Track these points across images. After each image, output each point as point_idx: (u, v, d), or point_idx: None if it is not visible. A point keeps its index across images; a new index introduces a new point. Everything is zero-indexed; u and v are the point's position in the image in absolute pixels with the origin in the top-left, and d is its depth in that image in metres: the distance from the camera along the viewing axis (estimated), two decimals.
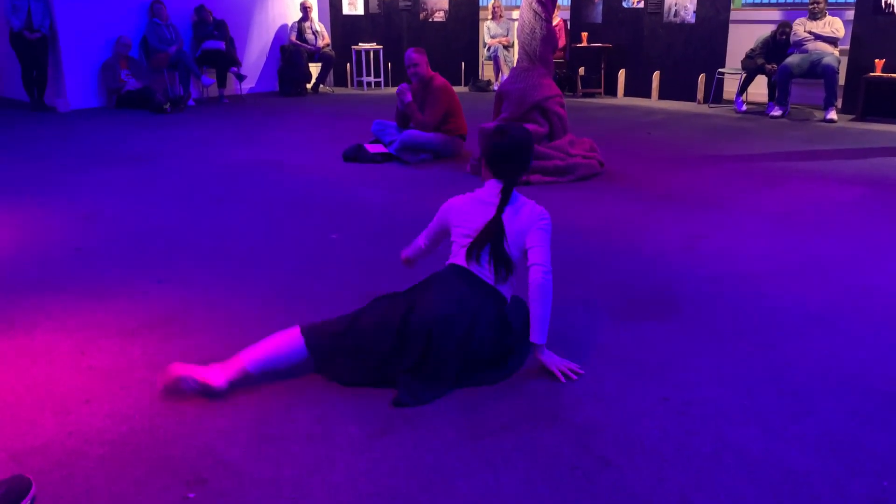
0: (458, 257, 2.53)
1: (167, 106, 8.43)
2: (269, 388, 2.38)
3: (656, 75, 9.42)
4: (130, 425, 2.18)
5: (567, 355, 2.57)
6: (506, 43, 10.38)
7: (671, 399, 2.32)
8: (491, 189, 2.53)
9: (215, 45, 9.45)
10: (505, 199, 2.48)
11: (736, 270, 3.46)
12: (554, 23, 9.49)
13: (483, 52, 10.99)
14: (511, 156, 2.52)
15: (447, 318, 2.35)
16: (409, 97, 5.87)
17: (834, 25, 7.73)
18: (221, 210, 4.55)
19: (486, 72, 11.21)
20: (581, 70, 10.01)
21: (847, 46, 7.95)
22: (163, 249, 3.81)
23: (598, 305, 3.07)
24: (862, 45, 7.83)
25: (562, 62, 9.99)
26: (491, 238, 2.45)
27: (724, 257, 3.64)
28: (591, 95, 9.87)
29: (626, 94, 9.79)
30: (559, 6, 9.77)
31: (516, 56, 6.37)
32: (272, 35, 10.83)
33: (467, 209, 2.55)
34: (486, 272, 2.48)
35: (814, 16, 7.80)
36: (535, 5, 5.24)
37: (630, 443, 2.09)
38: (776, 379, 2.45)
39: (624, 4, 9.59)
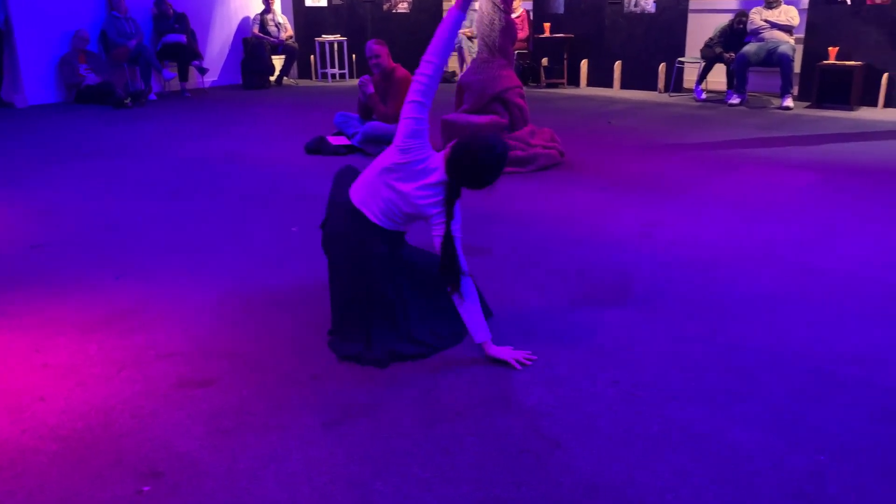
0: (363, 198, 2.58)
1: (128, 100, 8.32)
2: (224, 382, 2.40)
3: (618, 65, 9.52)
4: (86, 421, 2.18)
5: (521, 340, 2.62)
6: (470, 34, 10.37)
7: (621, 382, 2.38)
8: (436, 176, 2.52)
9: (176, 38, 9.34)
10: (449, 209, 2.47)
11: (689, 256, 3.54)
12: (517, 14, 9.62)
13: None
14: (466, 175, 2.49)
15: (342, 257, 2.60)
16: (370, 89, 5.87)
17: (789, 14, 7.87)
18: (181, 204, 4.52)
19: (451, 63, 11.21)
20: (544, 61, 10.07)
21: (802, 35, 8.10)
22: (121, 244, 3.78)
23: (554, 291, 3.12)
24: (816, 33, 7.99)
25: (525, 53, 10.04)
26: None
27: (679, 243, 3.72)
28: (555, 86, 9.94)
29: (589, 83, 9.88)
30: None
31: None
32: (234, 27, 10.73)
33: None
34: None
35: (769, 4, 7.93)
36: None
37: (580, 425, 2.15)
38: (723, 360, 2.53)
39: None
